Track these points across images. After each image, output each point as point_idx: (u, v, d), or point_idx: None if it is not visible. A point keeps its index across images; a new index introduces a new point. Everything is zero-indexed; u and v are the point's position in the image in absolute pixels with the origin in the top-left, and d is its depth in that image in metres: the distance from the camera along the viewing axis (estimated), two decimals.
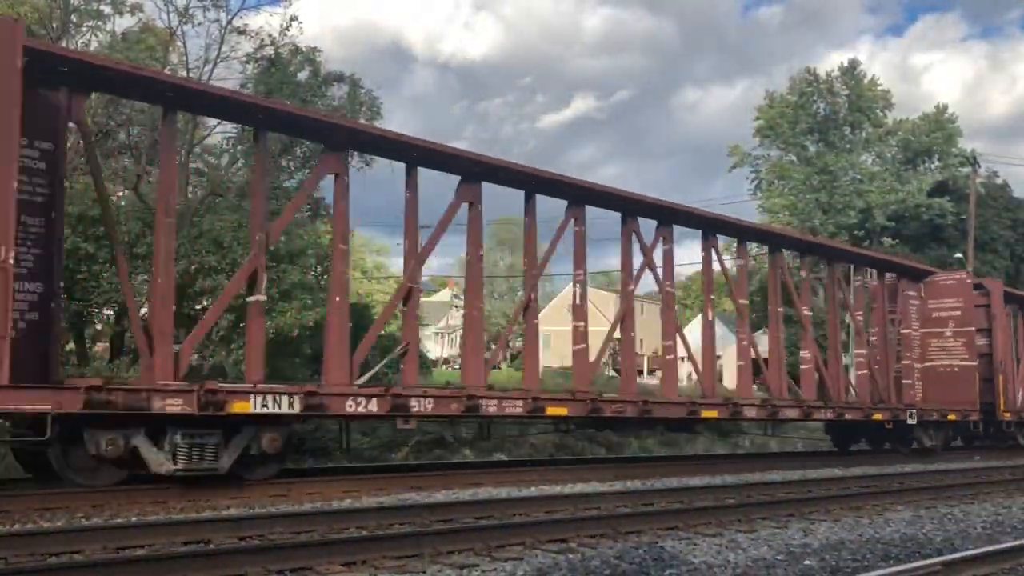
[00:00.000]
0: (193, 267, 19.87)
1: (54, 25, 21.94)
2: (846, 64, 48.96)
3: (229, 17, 24.26)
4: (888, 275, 21.62)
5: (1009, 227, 45.16)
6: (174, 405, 10.00)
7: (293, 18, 25.30)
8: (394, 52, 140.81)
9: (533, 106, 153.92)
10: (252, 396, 10.65)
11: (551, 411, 13.91)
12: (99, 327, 23.37)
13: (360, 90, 26.68)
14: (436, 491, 11.69)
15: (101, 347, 25.56)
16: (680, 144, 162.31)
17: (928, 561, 6.99)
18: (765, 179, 48.61)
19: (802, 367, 19.09)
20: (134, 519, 8.82)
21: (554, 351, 42.20)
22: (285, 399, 10.83)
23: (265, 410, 10.70)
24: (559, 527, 8.46)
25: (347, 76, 26.56)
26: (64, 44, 20.31)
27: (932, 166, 48.57)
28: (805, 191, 45.81)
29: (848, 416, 19.18)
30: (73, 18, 23.28)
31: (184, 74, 22.60)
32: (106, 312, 23.30)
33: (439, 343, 68.82)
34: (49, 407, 9.21)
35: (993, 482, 14.58)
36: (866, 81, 48.27)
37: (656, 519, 9.27)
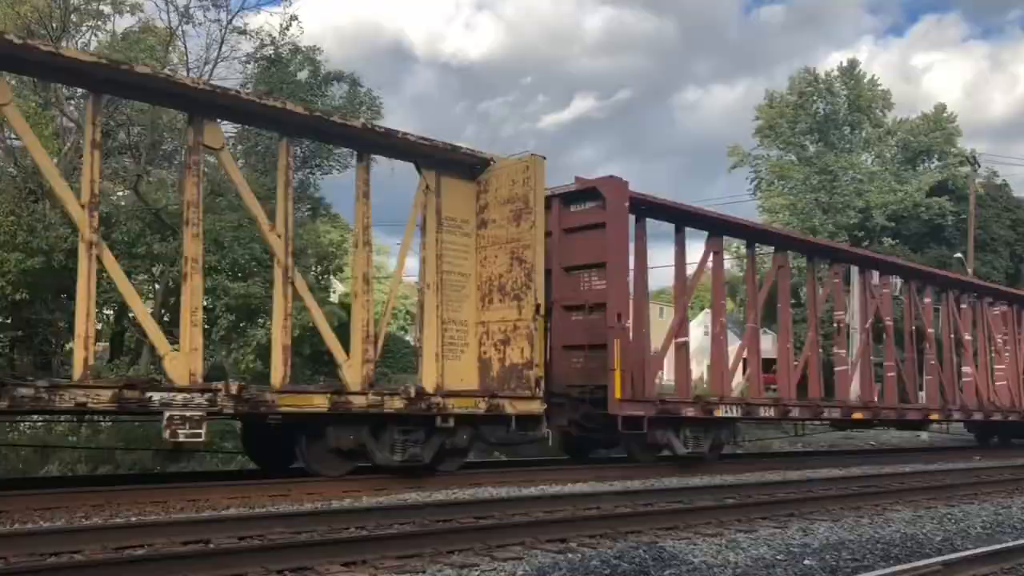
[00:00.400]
0: None
1: (54, 25, 21.92)
2: (845, 64, 49.02)
3: (229, 17, 24.27)
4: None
5: (1009, 227, 45.17)
6: (690, 411, 15.13)
7: (293, 18, 25.28)
8: (395, 52, 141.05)
9: (534, 106, 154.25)
10: (722, 405, 15.73)
11: (855, 416, 18.99)
12: (99, 327, 23.34)
13: (360, 89, 26.69)
14: (436, 491, 11.69)
15: (100, 347, 25.51)
16: (681, 144, 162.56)
17: (928, 561, 6.99)
18: (765, 179, 48.63)
19: (964, 380, 23.03)
20: (134, 519, 8.82)
21: None
22: (735, 407, 16.00)
23: (728, 414, 15.83)
24: (559, 527, 8.46)
25: (347, 75, 26.57)
26: (64, 44, 20.30)
27: (932, 166, 48.61)
28: (805, 191, 45.82)
29: (1011, 418, 23.67)
30: (73, 18, 23.27)
31: (185, 73, 22.61)
32: (105, 312, 23.29)
33: None
34: (643, 413, 14.18)
35: (993, 482, 14.57)
36: (866, 81, 48.29)
37: (656, 519, 9.27)
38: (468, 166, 13.56)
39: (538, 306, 13.00)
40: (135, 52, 22.36)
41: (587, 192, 14.73)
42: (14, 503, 9.31)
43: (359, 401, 11.45)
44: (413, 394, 11.80)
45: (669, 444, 14.91)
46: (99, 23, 24.11)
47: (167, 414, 9.90)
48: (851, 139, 48.69)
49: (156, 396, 9.93)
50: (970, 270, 37.30)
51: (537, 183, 13.17)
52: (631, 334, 14.57)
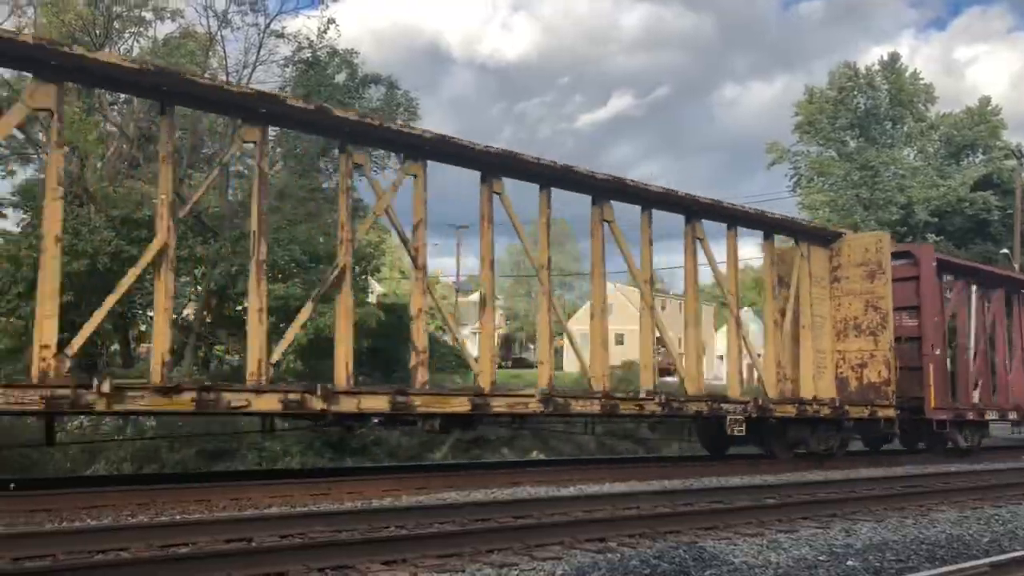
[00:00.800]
0: (234, 269, 20.10)
1: (97, 32, 22.32)
2: (887, 58, 48.26)
3: (267, 21, 24.55)
4: None
5: None
6: (970, 415, 19.15)
7: (331, 21, 25.52)
8: (432, 54, 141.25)
9: (571, 105, 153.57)
10: (989, 410, 19.78)
11: None
12: (143, 328, 23.73)
13: (397, 91, 26.83)
14: (475, 490, 11.72)
15: (144, 348, 25.90)
16: (719, 140, 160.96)
17: (976, 562, 6.86)
18: (805, 175, 48.06)
19: None
20: (178, 517, 8.96)
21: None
22: (996, 412, 20.22)
23: (992, 418, 20.06)
24: (598, 526, 8.44)
25: (384, 78, 26.72)
26: (107, 50, 20.64)
27: (976, 160, 47.68)
28: (845, 187, 45.20)
29: None
30: (116, 25, 23.67)
31: (224, 77, 22.93)
32: (149, 314, 23.65)
33: (473, 343, 68.77)
34: (946, 416, 18.48)
35: None
36: (907, 75, 47.51)
37: (696, 519, 9.21)
38: (824, 238, 18.23)
39: (890, 340, 17.40)
40: (176, 58, 22.71)
41: (900, 253, 19.28)
42: (63, 501, 9.51)
43: (810, 408, 16.44)
44: (837, 404, 16.63)
45: (955, 440, 19.00)
46: (141, 30, 24.51)
47: (728, 417, 15.03)
48: (893, 134, 47.94)
49: (724, 406, 15.20)
50: (1016, 266, 36.55)
51: (887, 252, 17.65)
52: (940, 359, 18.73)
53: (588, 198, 14.50)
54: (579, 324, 44.96)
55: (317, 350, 19.55)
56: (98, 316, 10.17)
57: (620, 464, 16.29)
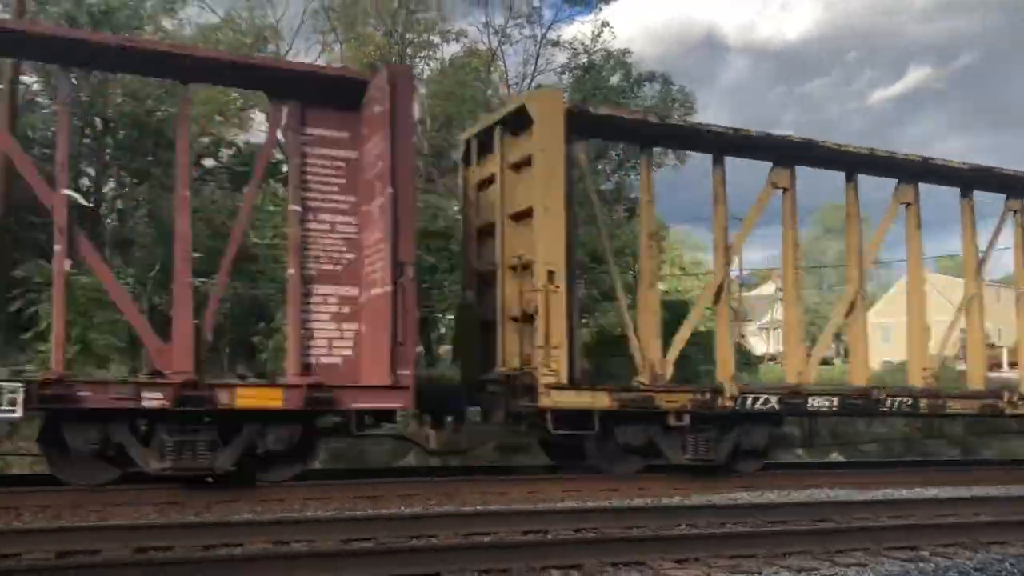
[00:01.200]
0: None
1: (393, 59, 24.29)
2: None
3: (543, 31, 25.41)
4: None
5: None
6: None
7: (604, 24, 25.88)
8: (707, 44, 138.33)
9: (860, 82, 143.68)
10: None
11: None
12: (442, 331, 25.40)
13: (672, 87, 26.65)
14: (768, 491, 11.35)
15: (443, 350, 27.76)
16: None
17: None
18: None
19: None
20: (479, 507, 9.48)
21: (896, 343, 39.27)
22: None
23: None
24: (907, 533, 7.87)
25: (658, 75, 26.65)
26: None
27: None
28: None
29: None
30: (408, 51, 25.65)
31: (505, 91, 24.01)
32: (448, 317, 25.29)
33: (763, 339, 66.45)
34: None
35: None
36: None
37: None
38: None
39: None
40: (461, 75, 24.14)
41: None
42: (383, 489, 10.46)
43: None
44: None
45: None
46: (430, 53, 26.35)
47: None
48: None
49: None
50: None
51: None
52: None
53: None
54: (879, 316, 42.00)
55: (601, 348, 19.88)
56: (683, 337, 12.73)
57: (931, 466, 15.05)
